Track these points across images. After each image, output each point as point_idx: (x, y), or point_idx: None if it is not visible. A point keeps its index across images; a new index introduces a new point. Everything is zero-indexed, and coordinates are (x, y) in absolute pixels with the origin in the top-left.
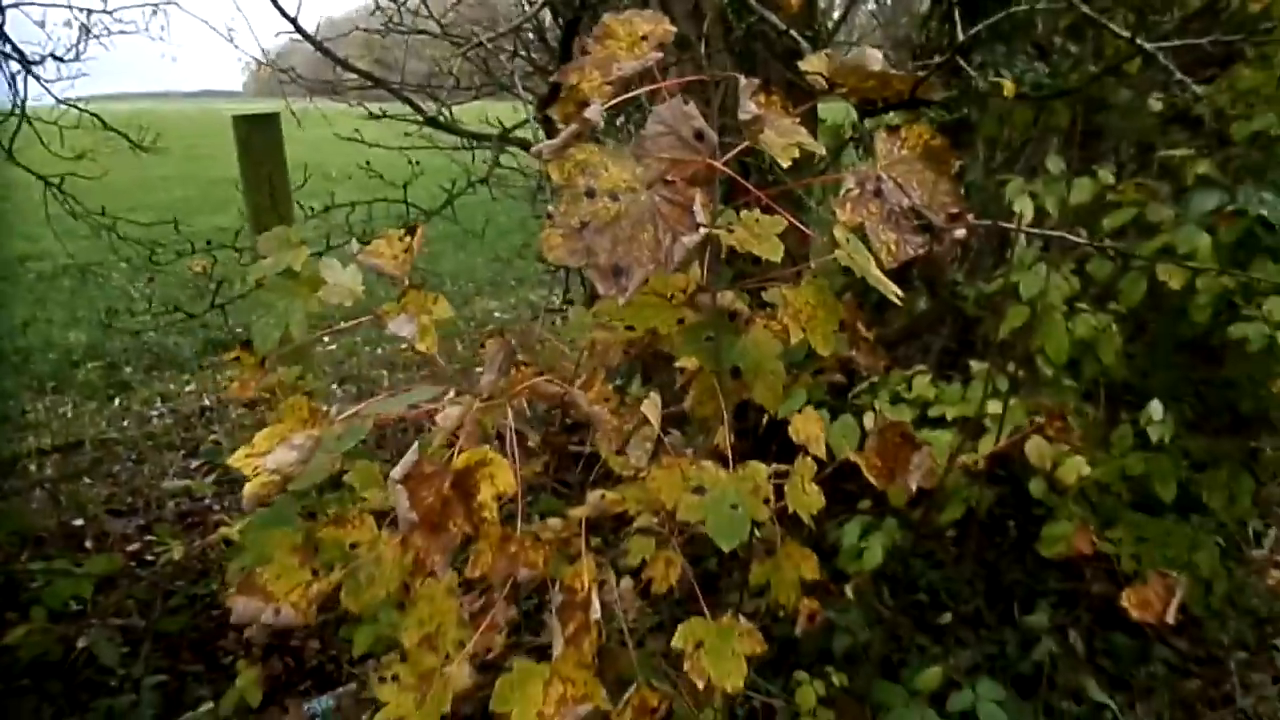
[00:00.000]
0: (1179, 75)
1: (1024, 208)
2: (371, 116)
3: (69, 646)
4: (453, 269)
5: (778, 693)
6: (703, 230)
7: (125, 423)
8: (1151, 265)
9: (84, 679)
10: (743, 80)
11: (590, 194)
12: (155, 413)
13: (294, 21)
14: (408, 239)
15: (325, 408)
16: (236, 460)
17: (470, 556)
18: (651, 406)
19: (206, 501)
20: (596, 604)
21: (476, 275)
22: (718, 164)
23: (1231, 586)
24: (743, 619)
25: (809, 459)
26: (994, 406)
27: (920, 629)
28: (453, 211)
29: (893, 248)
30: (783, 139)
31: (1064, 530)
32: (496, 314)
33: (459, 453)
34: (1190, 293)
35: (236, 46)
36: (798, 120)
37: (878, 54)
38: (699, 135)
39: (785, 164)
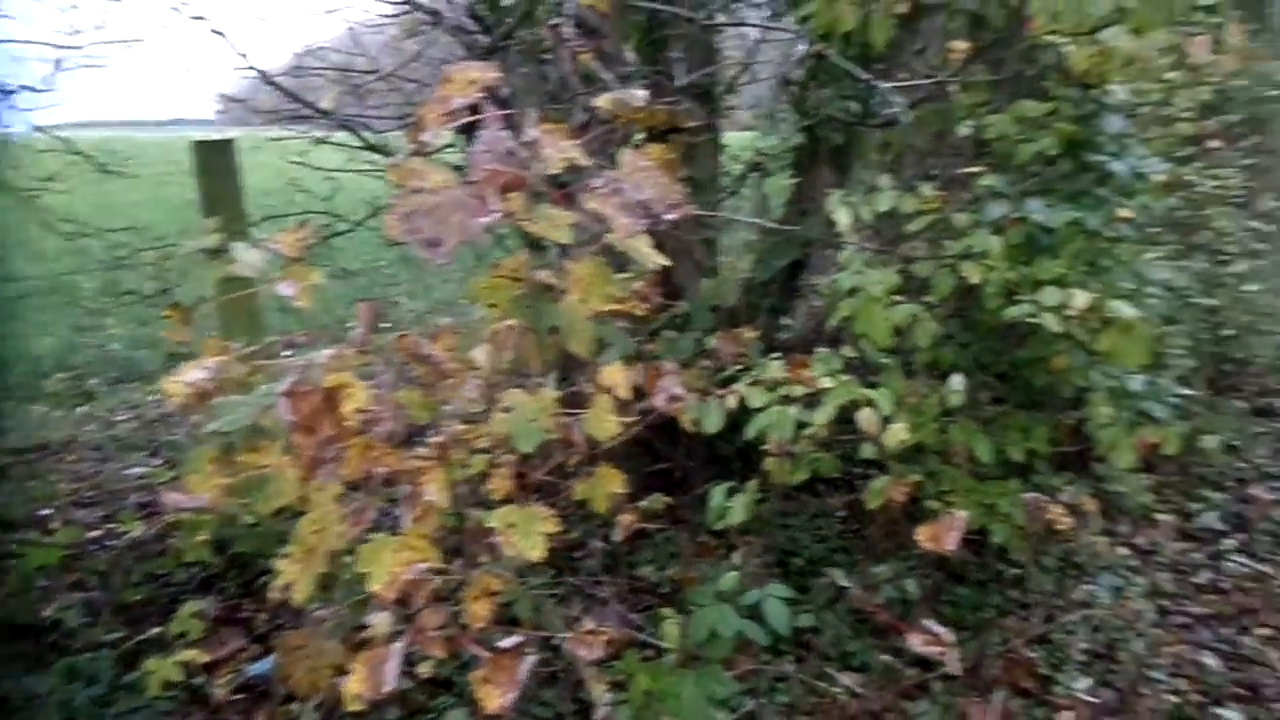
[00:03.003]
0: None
1: (842, 217)
2: (318, 142)
3: (39, 614)
4: (410, 289)
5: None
6: (494, 215)
7: (91, 427)
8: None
9: (51, 641)
10: (530, 113)
11: (418, 191)
12: (120, 418)
13: (245, 57)
14: (302, 231)
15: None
16: (167, 384)
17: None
18: (483, 355)
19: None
20: (431, 493)
21: (432, 294)
22: (525, 174)
23: (1036, 536)
24: (543, 507)
25: (608, 396)
26: (831, 383)
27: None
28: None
29: (625, 227)
30: (558, 154)
31: (884, 485)
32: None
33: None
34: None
35: (198, 79)
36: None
37: (640, 94)
38: (510, 153)
39: (557, 173)
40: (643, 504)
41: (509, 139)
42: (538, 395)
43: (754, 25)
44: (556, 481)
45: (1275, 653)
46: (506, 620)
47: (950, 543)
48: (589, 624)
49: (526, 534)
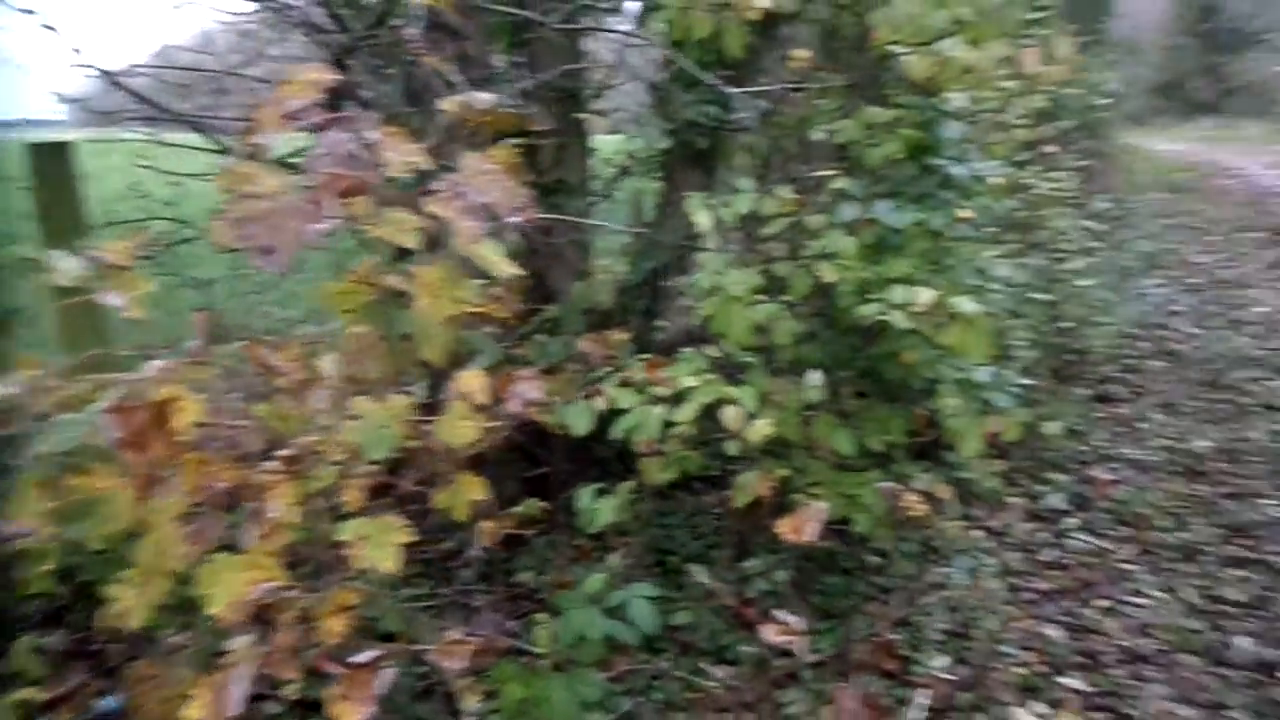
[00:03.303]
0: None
1: (701, 219)
2: (164, 145)
3: None
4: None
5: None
6: (333, 220)
7: None
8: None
9: None
10: (373, 115)
11: (251, 197)
12: None
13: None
14: (134, 239)
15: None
16: None
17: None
18: (330, 364)
19: None
20: (278, 509)
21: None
22: (368, 177)
23: (897, 523)
24: (397, 518)
25: (462, 402)
26: (695, 382)
27: (657, 575)
28: None
29: (468, 232)
30: (400, 157)
31: (750, 480)
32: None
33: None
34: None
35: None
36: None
37: (486, 96)
38: (352, 157)
39: (400, 176)
40: (518, 509)
41: (351, 142)
42: (388, 404)
43: (606, 31)
44: (425, 491)
45: (1112, 622)
46: (378, 635)
47: (810, 533)
48: (456, 634)
49: (379, 546)
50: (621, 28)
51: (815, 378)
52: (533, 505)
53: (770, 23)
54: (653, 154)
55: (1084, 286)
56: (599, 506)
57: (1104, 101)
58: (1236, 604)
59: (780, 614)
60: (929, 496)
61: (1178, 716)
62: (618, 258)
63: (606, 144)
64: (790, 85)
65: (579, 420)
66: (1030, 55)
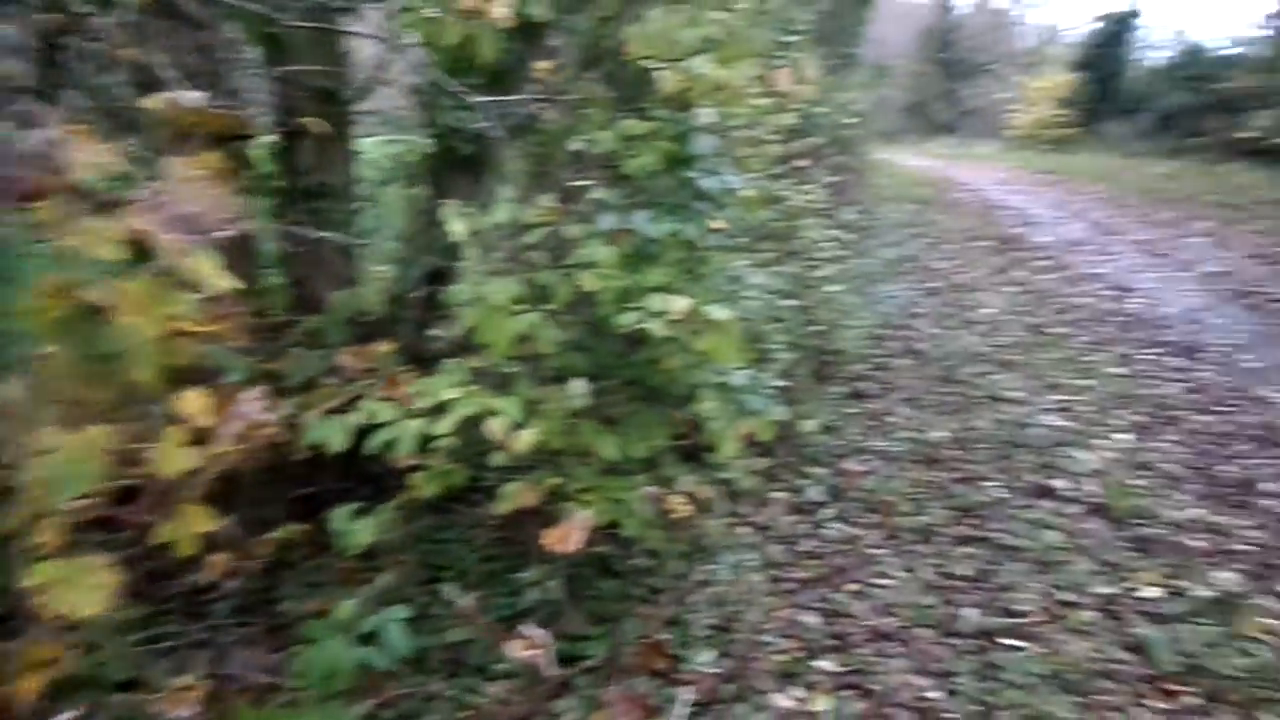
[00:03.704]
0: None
1: (458, 227)
2: None
3: None
4: None
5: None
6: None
7: None
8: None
9: None
10: (51, 116)
11: None
12: None
13: None
14: None
15: None
16: None
17: None
18: (19, 389)
19: None
20: None
21: None
22: (55, 180)
23: (665, 525)
24: (99, 558)
25: (179, 427)
26: (456, 394)
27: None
28: None
29: (173, 244)
30: (89, 159)
31: (514, 490)
32: None
33: None
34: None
35: None
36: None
37: (196, 95)
38: (34, 157)
39: (89, 177)
40: (276, 534)
41: (10, 147)
42: (86, 434)
43: (353, 34)
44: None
45: (860, 604)
46: (107, 685)
47: (575, 542)
48: (190, 678)
49: (82, 589)
50: (374, 31)
51: (580, 386)
52: (292, 530)
53: (533, 32)
54: (418, 159)
55: (835, 292)
56: (355, 527)
57: (853, 120)
58: (964, 578)
59: (524, 628)
60: (693, 497)
61: (914, 685)
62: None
63: (372, 147)
64: (550, 96)
65: (333, 437)
66: (783, 75)
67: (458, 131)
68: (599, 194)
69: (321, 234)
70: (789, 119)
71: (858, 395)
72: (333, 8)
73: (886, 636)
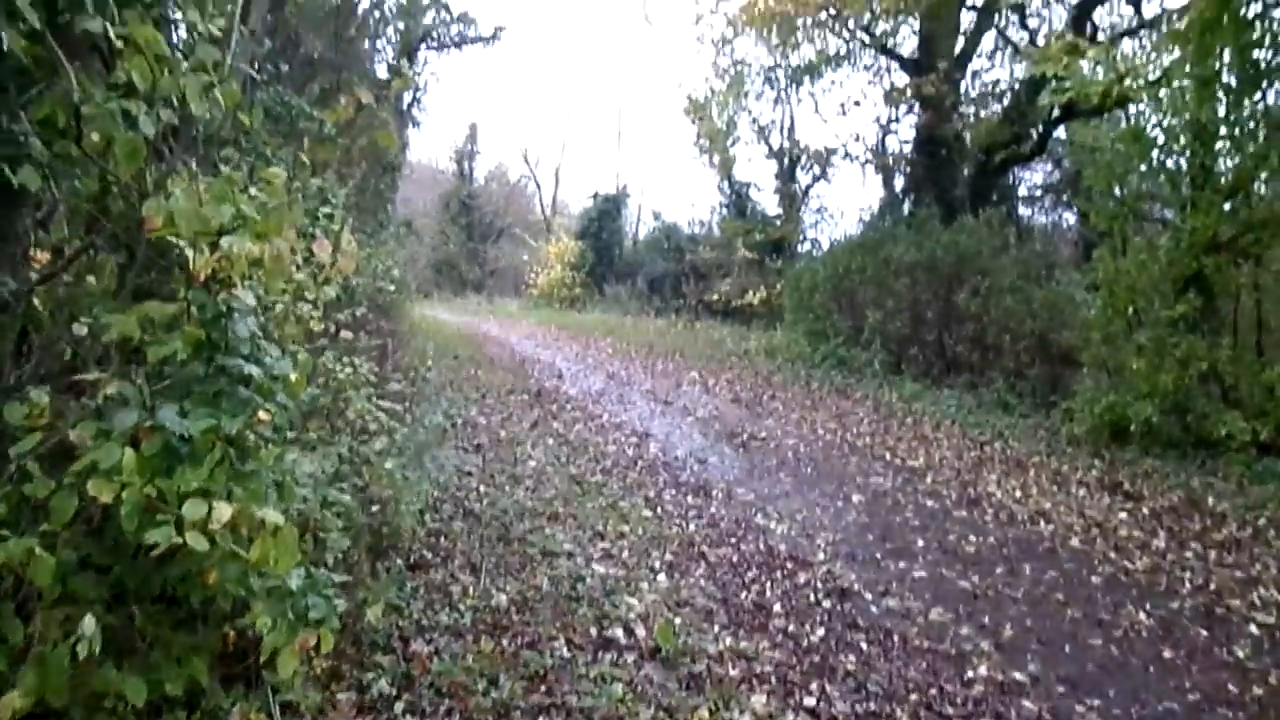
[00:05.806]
0: None
1: None
2: None
3: None
4: None
5: None
6: None
7: None
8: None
9: None
10: None
11: None
12: None
13: None
14: None
15: None
16: None
17: None
18: None
19: None
20: None
21: None
22: None
23: None
24: None
25: None
26: None
27: None
28: None
29: None
30: None
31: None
32: None
33: None
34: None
35: None
36: None
37: None
38: None
39: None
40: None
41: None
42: None
43: None
44: None
45: None
46: None
47: None
48: None
49: None
50: None
51: (89, 625)
52: None
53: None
54: None
55: (389, 467)
56: None
57: (391, 285)
58: None
59: None
60: None
61: None
62: None
63: None
64: (44, 272)
65: None
66: (322, 246)
67: None
68: (115, 387)
69: None
70: (331, 290)
71: (418, 566)
72: None
73: None
